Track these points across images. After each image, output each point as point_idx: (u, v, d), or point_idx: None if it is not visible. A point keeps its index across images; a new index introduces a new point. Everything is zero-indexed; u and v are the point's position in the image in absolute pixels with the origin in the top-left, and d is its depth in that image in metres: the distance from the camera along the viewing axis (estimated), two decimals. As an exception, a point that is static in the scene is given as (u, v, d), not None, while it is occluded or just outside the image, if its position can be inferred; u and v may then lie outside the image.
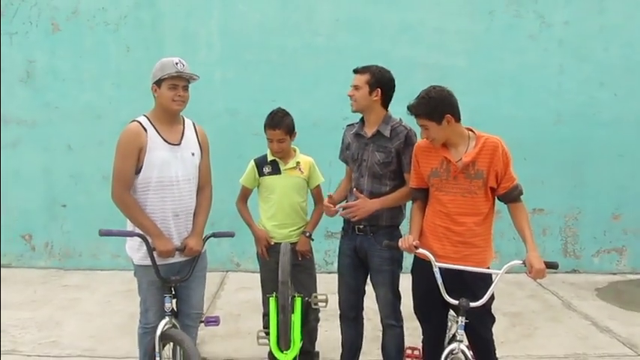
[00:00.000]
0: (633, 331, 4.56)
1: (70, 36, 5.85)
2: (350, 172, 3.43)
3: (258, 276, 3.71)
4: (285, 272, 2.94)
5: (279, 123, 3.38)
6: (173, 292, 2.99)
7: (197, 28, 5.83)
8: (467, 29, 5.89)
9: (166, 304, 2.96)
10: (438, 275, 2.72)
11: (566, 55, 5.93)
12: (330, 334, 3.98)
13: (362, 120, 3.32)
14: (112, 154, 2.94)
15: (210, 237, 3.10)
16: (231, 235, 3.18)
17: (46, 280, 5.65)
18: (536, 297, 5.38)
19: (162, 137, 2.94)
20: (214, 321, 3.37)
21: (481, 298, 2.73)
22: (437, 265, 2.73)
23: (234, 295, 5.37)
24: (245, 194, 3.65)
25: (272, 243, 3.50)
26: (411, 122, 3.25)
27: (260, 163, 3.54)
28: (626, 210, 6.12)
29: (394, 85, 3.25)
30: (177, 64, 2.87)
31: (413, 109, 2.81)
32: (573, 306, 5.14)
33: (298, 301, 3.16)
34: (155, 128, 2.93)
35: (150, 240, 2.88)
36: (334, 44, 5.84)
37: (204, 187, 3.12)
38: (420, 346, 3.46)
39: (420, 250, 2.78)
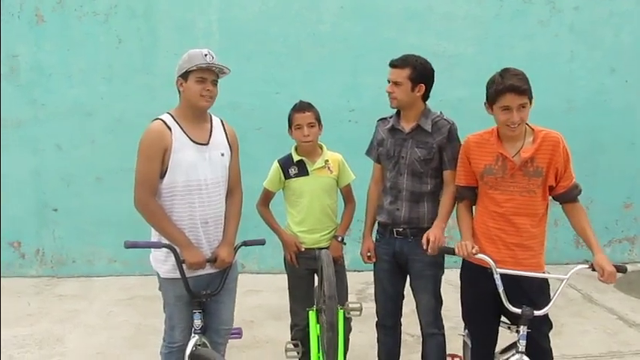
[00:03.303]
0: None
1: (56, 28, 5.43)
2: (379, 173, 3.19)
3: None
4: (332, 286, 2.65)
5: (308, 106, 3.17)
6: (202, 308, 2.72)
7: (194, 17, 5.48)
8: (476, 15, 5.67)
9: (196, 322, 2.71)
10: (499, 282, 2.50)
11: (578, 42, 5.77)
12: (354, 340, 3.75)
13: (397, 114, 3.07)
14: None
15: (241, 246, 2.82)
16: (261, 242, 2.91)
17: (40, 290, 5.28)
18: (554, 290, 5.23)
19: (188, 136, 2.65)
20: (237, 333, 3.17)
21: (538, 304, 2.55)
22: (498, 272, 2.50)
23: (243, 298, 5.02)
24: (268, 197, 3.35)
25: (302, 249, 3.23)
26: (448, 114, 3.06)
27: (285, 164, 3.24)
28: (638, 199, 6.01)
29: (434, 77, 3.00)
30: (206, 55, 2.59)
31: (520, 85, 2.50)
32: (594, 299, 5.01)
33: (340, 315, 2.89)
34: (180, 127, 2.64)
35: (178, 251, 2.60)
36: (339, 33, 5.56)
37: (233, 190, 2.85)
38: (460, 353, 3.28)
39: (480, 256, 2.54)
